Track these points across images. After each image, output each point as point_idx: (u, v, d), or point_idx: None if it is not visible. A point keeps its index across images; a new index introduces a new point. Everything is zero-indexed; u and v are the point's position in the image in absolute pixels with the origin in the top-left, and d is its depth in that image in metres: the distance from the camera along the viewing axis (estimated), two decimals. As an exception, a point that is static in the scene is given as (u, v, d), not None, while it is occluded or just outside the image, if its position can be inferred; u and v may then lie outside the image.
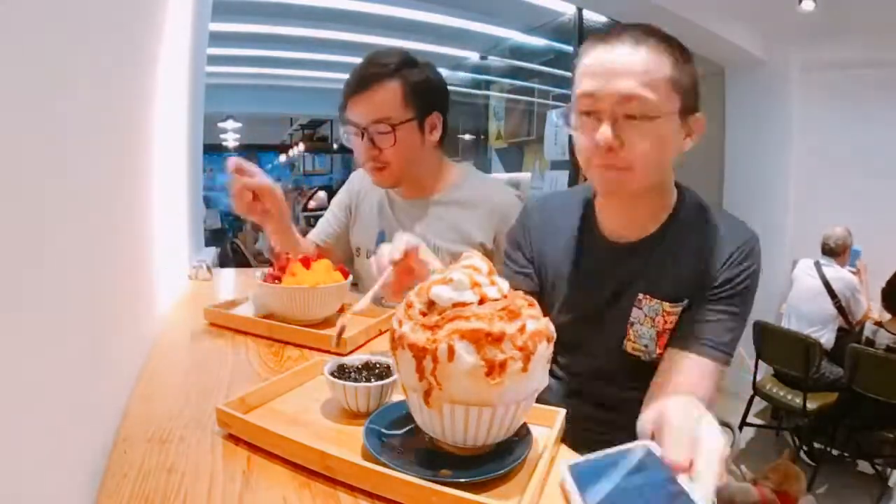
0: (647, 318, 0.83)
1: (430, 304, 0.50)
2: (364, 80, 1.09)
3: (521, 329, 0.47)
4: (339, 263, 1.09)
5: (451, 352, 0.46)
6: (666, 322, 0.82)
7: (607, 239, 0.86)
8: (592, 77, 0.74)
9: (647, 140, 0.73)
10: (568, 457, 0.59)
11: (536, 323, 0.49)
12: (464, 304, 0.49)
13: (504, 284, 0.53)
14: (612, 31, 0.76)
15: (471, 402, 0.47)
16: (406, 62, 1.11)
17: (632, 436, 0.86)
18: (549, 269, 0.91)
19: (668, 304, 0.82)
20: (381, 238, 1.25)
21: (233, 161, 1.03)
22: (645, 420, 0.66)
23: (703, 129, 0.79)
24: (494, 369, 0.46)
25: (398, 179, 1.17)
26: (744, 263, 0.80)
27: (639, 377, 0.84)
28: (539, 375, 0.49)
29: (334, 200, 1.38)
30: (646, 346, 0.83)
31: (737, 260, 0.80)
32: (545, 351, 0.49)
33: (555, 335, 0.52)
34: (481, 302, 0.49)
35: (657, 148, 0.74)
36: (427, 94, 1.13)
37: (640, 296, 0.83)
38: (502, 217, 1.13)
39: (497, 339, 0.46)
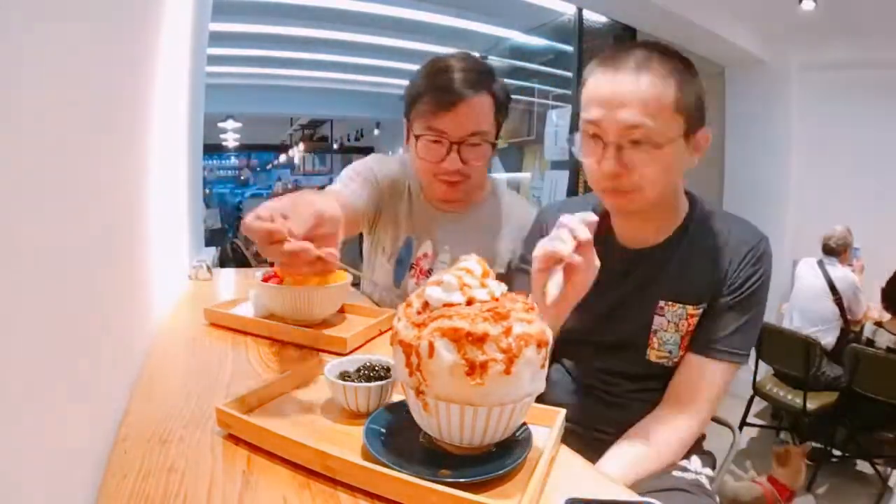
0: (671, 324, 0.84)
1: (426, 305, 0.52)
2: (464, 88, 1.03)
3: (507, 331, 0.47)
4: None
5: (430, 348, 0.47)
6: (689, 325, 0.83)
7: (622, 244, 0.87)
8: (596, 105, 0.75)
9: (653, 165, 0.74)
10: (568, 458, 0.59)
11: (526, 327, 0.49)
12: (452, 305, 0.50)
13: (497, 288, 0.53)
14: (615, 54, 0.76)
15: (454, 399, 0.48)
16: (492, 73, 1.08)
17: None
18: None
19: (691, 307, 0.83)
20: (409, 244, 1.18)
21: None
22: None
23: (709, 142, 0.80)
24: (475, 369, 0.46)
25: (467, 193, 1.14)
26: (756, 265, 0.82)
27: (652, 378, 0.86)
28: (527, 380, 0.49)
29: (353, 174, 1.15)
30: (670, 351, 0.84)
31: (749, 262, 0.82)
32: (534, 355, 0.48)
33: (551, 340, 0.51)
34: (469, 303, 0.50)
35: (663, 171, 0.76)
36: (504, 106, 1.10)
37: (662, 303, 0.84)
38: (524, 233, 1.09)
39: (478, 339, 0.46)
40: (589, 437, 0.86)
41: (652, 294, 0.84)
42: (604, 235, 0.87)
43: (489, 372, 0.46)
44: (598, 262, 0.74)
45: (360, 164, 1.19)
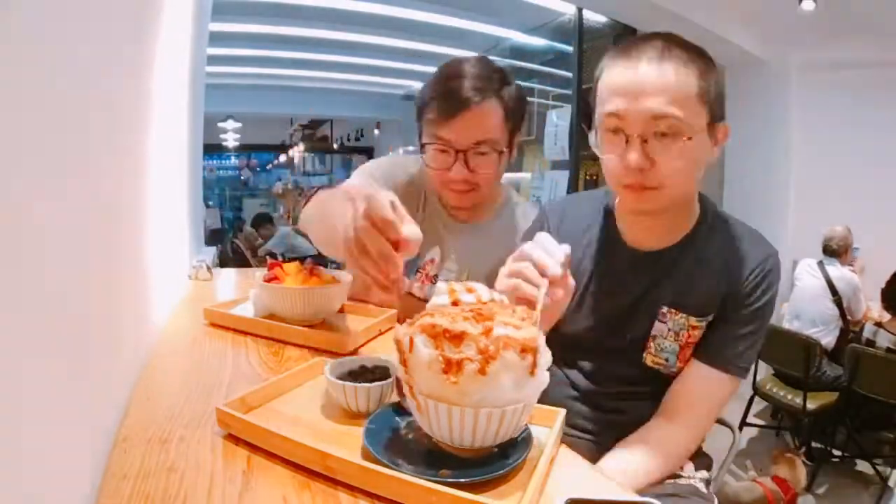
0: (671, 333, 0.82)
1: None
2: (471, 96, 0.98)
3: (486, 331, 0.47)
4: None
5: (411, 343, 0.49)
6: (690, 336, 0.82)
7: (629, 246, 0.85)
8: (619, 96, 0.72)
9: (678, 158, 0.71)
10: (569, 458, 0.59)
11: (511, 331, 0.48)
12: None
13: (485, 293, 0.54)
14: (633, 44, 0.74)
15: (434, 396, 0.48)
16: (505, 77, 1.03)
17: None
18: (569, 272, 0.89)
19: (694, 318, 0.81)
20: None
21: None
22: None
23: (728, 136, 0.78)
24: (451, 367, 0.47)
25: (478, 202, 1.11)
26: (766, 280, 0.80)
27: (646, 382, 0.85)
28: (509, 385, 0.48)
29: (369, 178, 1.12)
30: (667, 359, 0.83)
31: (759, 276, 0.80)
32: (516, 360, 0.48)
33: (539, 347, 0.50)
34: (455, 304, 0.52)
35: (688, 165, 0.73)
36: (519, 114, 1.05)
37: (665, 309, 0.82)
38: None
39: (455, 336, 0.47)
40: (575, 439, 0.85)
41: (656, 298, 0.82)
42: (612, 236, 0.86)
43: (464, 370, 0.46)
44: (573, 284, 0.68)
45: (375, 166, 1.17)
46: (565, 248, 0.63)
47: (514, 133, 1.06)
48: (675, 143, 0.70)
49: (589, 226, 0.89)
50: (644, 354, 0.84)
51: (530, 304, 0.58)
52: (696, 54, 0.73)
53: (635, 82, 0.70)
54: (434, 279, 1.15)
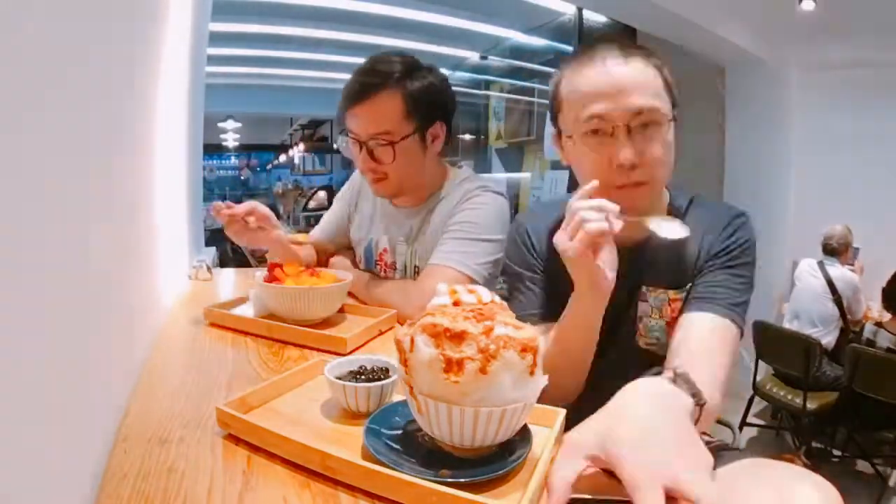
0: (655, 310, 0.83)
1: None
2: (364, 89, 1.04)
3: (487, 331, 0.48)
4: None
5: (412, 342, 0.49)
6: (673, 311, 0.83)
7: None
8: (599, 97, 0.74)
9: (660, 147, 0.75)
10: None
11: (511, 330, 0.49)
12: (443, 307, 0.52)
13: (485, 294, 0.54)
14: (587, 52, 0.77)
15: (435, 396, 0.48)
16: (408, 70, 1.06)
17: None
18: (556, 281, 0.86)
19: (672, 291, 0.82)
20: (370, 244, 1.25)
21: (214, 206, 1.10)
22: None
23: (679, 123, 0.80)
24: (452, 366, 0.47)
25: (397, 190, 1.15)
26: (738, 233, 0.82)
27: (644, 367, 0.85)
28: (509, 384, 0.48)
29: (336, 199, 1.38)
30: (657, 338, 0.84)
31: (730, 231, 0.82)
32: (516, 359, 0.48)
33: (539, 347, 0.50)
34: (456, 304, 0.52)
35: (668, 152, 0.76)
36: (429, 104, 1.08)
37: (644, 289, 0.83)
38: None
39: (456, 336, 0.47)
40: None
41: (633, 281, 0.84)
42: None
43: (465, 369, 0.46)
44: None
45: (349, 180, 1.36)
46: (592, 185, 0.71)
47: (428, 124, 1.08)
48: (657, 132, 0.74)
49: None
50: (636, 338, 0.85)
51: (599, 239, 0.67)
52: (647, 51, 0.77)
53: (612, 83, 0.73)
54: (393, 265, 1.21)
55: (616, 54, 0.74)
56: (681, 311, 0.82)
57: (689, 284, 0.83)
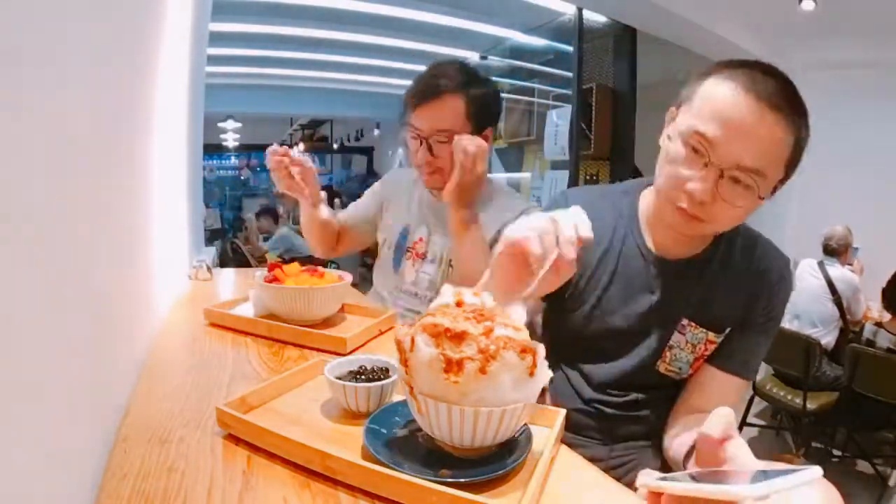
0: (689, 345, 0.82)
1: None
2: (432, 90, 1.14)
3: (487, 332, 0.48)
4: (359, 247, 1.42)
5: (412, 342, 0.49)
6: (706, 349, 0.82)
7: (653, 252, 0.83)
8: (722, 124, 0.67)
9: (739, 207, 0.70)
10: (569, 458, 0.59)
11: (511, 332, 0.49)
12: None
13: (488, 298, 0.53)
14: (758, 75, 0.69)
15: (435, 396, 0.48)
16: (471, 78, 1.16)
17: (644, 441, 0.86)
18: (585, 267, 0.85)
19: (713, 333, 0.81)
20: (406, 231, 1.30)
21: (271, 150, 1.26)
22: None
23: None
24: (452, 366, 0.47)
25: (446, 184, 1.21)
26: (781, 294, 0.83)
27: (656, 388, 0.85)
28: (509, 385, 0.48)
29: (368, 191, 1.45)
30: (679, 368, 0.84)
31: (776, 290, 0.82)
32: (516, 360, 0.48)
33: (539, 349, 0.50)
34: (458, 305, 0.52)
35: (742, 214, 0.72)
36: (486, 110, 1.18)
37: (685, 321, 0.81)
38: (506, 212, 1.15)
39: (456, 336, 0.47)
40: (580, 441, 0.85)
41: (676, 310, 0.81)
42: (638, 240, 0.84)
43: (465, 369, 0.47)
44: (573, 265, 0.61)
45: (381, 179, 1.46)
46: (589, 231, 0.58)
47: (483, 127, 1.18)
48: (745, 194, 0.69)
49: (615, 227, 0.85)
50: (658, 363, 0.83)
51: (531, 262, 0.56)
52: (802, 112, 0.70)
53: (744, 121, 0.66)
54: (424, 255, 1.27)
55: (775, 103, 0.66)
56: (707, 351, 0.82)
57: (729, 329, 0.82)
